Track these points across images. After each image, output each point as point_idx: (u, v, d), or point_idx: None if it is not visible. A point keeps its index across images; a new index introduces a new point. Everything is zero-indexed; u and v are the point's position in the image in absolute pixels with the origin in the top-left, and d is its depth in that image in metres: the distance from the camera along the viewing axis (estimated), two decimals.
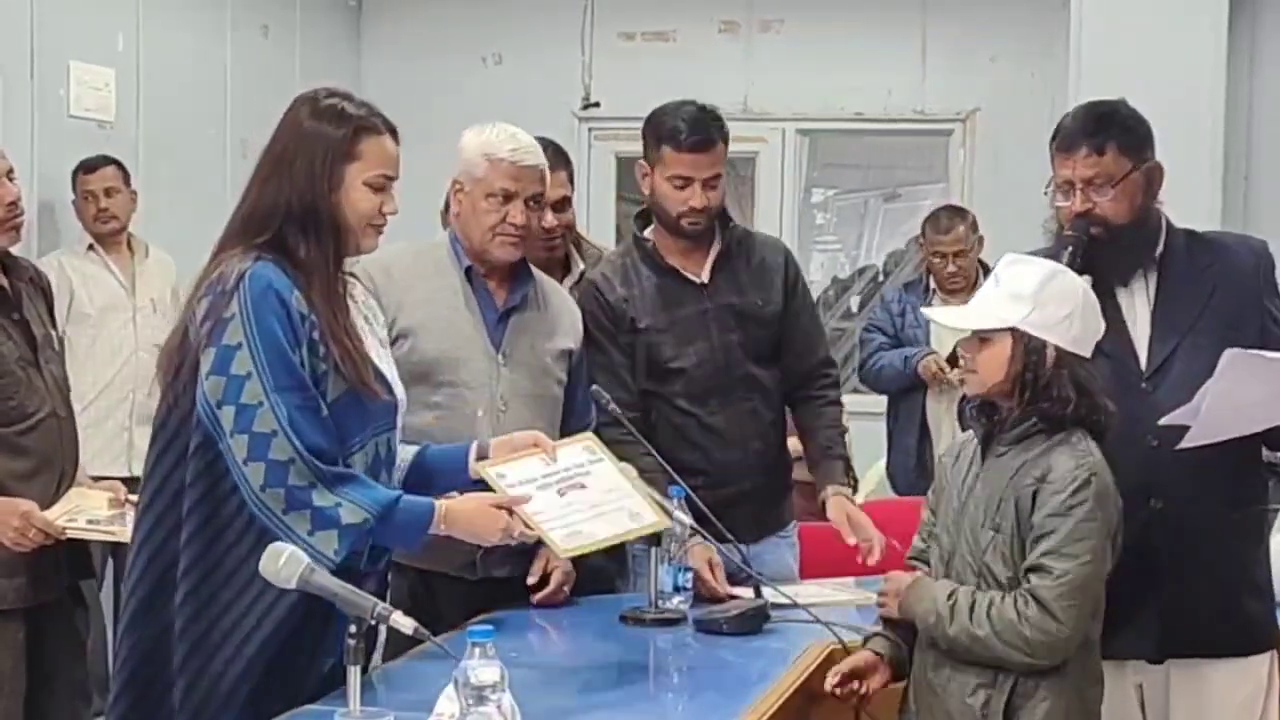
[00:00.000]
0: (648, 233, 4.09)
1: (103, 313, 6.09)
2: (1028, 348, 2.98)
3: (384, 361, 3.09)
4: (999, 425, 3.05)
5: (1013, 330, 2.98)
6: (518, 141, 3.68)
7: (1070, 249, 3.26)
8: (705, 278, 4.04)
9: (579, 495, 3.23)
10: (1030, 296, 2.99)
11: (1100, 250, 3.28)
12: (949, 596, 3.00)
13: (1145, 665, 3.34)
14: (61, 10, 6.46)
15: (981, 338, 3.03)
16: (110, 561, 5.89)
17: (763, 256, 4.13)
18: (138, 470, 5.91)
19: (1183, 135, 5.81)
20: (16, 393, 3.86)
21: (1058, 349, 2.98)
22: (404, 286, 3.65)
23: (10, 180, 3.88)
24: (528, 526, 3.08)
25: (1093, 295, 3.08)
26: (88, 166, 6.16)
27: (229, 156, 7.48)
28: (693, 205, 3.94)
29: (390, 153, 3.03)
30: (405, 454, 3.23)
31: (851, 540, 3.96)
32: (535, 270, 3.86)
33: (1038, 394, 2.98)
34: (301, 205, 2.93)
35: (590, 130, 8.53)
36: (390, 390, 3.04)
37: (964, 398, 3.16)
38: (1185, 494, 3.28)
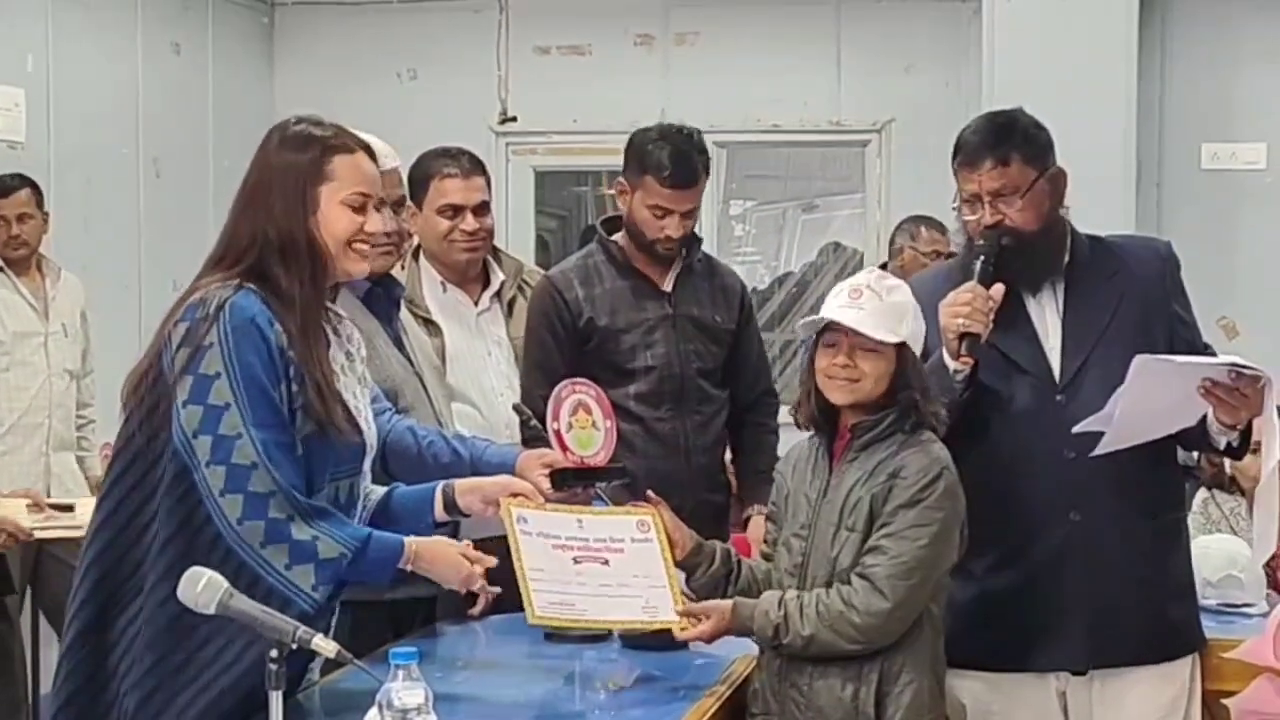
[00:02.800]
0: (616, 237, 4.11)
1: (16, 338, 5.99)
2: (912, 363, 3.07)
3: (360, 400, 3.03)
4: (855, 432, 3.10)
5: (900, 345, 3.05)
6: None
7: (982, 259, 3.28)
8: (669, 286, 4.11)
9: (595, 569, 3.15)
10: (911, 312, 3.07)
11: (1012, 260, 3.30)
12: (779, 606, 3.04)
13: (1069, 675, 3.35)
14: None
15: (871, 349, 3.05)
16: (30, 589, 5.81)
17: (723, 279, 4.24)
18: (57, 496, 5.89)
19: (1096, 142, 5.89)
20: None
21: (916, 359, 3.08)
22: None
23: None
24: (512, 577, 3.05)
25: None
26: (0, 189, 6.07)
27: (141, 175, 7.42)
28: (668, 234, 4.02)
29: (365, 171, 2.97)
30: (374, 494, 3.18)
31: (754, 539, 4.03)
32: None
33: (906, 405, 3.07)
34: (279, 235, 2.87)
35: (508, 145, 8.50)
36: (359, 432, 2.98)
37: (797, 406, 3.19)
38: (1104, 504, 3.30)
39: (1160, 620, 3.35)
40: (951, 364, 3.24)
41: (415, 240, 4.22)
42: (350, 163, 2.94)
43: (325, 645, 2.50)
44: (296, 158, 2.92)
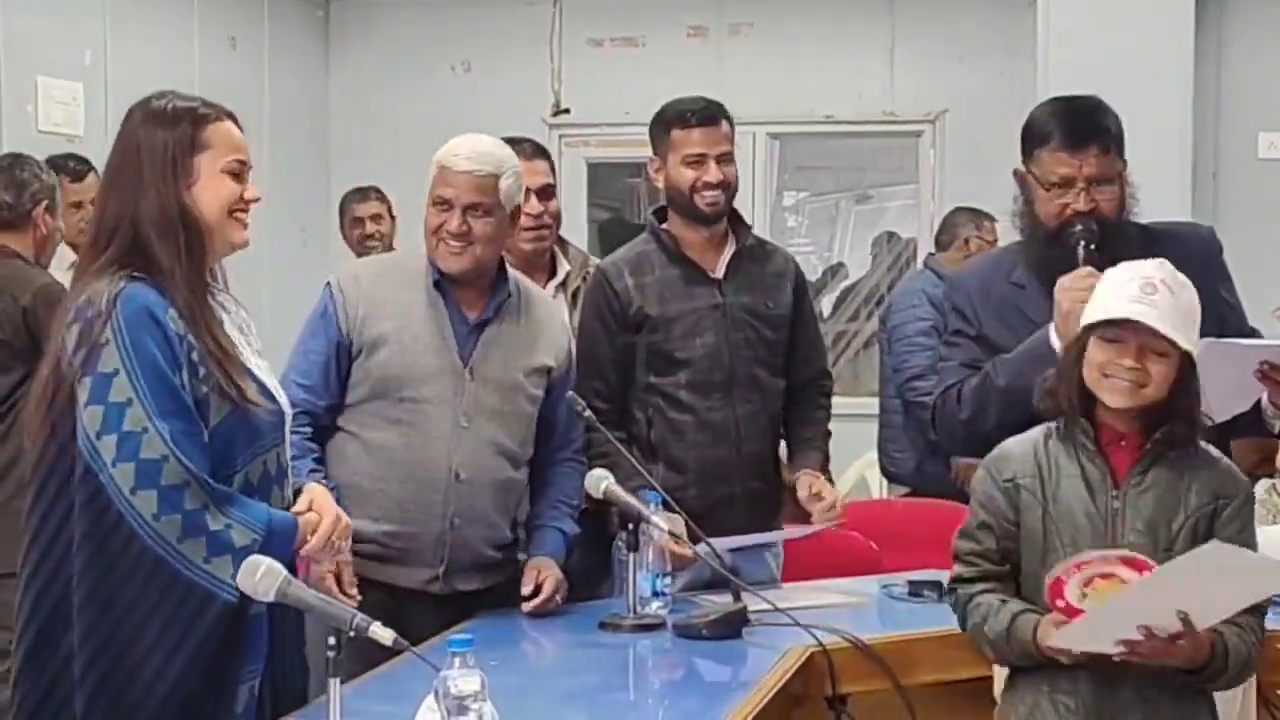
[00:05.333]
0: (666, 225, 4.10)
1: None
2: (1193, 372, 2.83)
3: (263, 372, 2.97)
4: (1154, 446, 2.87)
5: (1185, 353, 2.81)
6: (458, 148, 3.63)
7: (1084, 244, 3.24)
8: (720, 273, 4.07)
9: None
10: (1198, 315, 2.84)
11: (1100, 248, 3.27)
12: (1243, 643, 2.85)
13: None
14: (28, 26, 6.44)
15: (1162, 352, 2.80)
16: None
17: (774, 262, 4.18)
18: None
19: (1152, 133, 5.83)
20: None
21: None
22: (370, 298, 3.60)
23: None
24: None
25: None
26: (75, 174, 6.13)
27: None
28: (708, 180, 3.98)
29: (237, 138, 2.93)
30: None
31: (803, 494, 3.99)
32: (524, 284, 3.81)
33: (1180, 416, 2.85)
34: (151, 210, 2.82)
35: (561, 137, 8.52)
36: (274, 401, 2.94)
37: (1046, 393, 2.93)
38: None
39: None
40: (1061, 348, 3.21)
41: None
42: (224, 130, 2.91)
43: (382, 633, 2.51)
44: (167, 131, 2.88)
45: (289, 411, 3.02)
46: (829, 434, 4.25)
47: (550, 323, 3.81)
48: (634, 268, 4.04)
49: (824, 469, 4.14)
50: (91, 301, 2.76)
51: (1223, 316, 3.35)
